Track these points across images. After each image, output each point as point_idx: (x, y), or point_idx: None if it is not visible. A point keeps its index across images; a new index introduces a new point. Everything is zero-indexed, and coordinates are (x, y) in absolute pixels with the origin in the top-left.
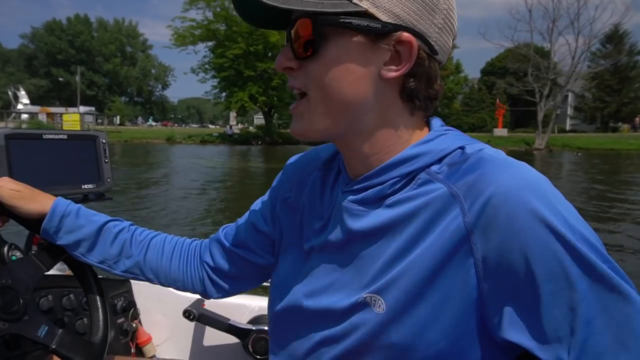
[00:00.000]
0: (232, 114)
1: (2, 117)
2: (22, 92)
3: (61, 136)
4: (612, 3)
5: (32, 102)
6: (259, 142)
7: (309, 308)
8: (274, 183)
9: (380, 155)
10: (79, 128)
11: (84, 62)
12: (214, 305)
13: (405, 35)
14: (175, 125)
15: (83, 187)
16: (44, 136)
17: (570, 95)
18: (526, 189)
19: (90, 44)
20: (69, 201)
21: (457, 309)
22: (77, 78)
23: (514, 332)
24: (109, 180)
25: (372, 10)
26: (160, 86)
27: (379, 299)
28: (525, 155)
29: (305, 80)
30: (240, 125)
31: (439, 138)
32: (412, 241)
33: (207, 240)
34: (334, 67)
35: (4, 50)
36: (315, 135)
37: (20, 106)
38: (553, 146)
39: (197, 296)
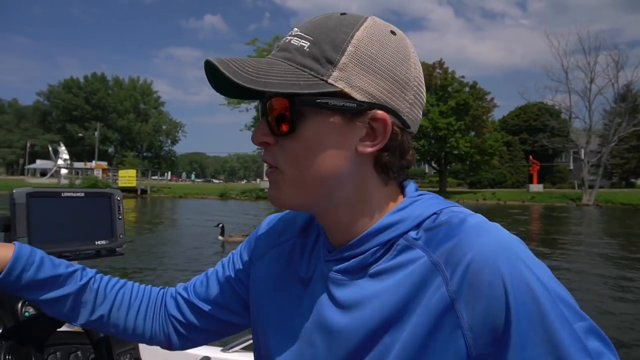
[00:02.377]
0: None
1: (12, 172)
2: (62, 148)
3: (79, 194)
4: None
5: (43, 157)
6: None
7: None
8: (247, 243)
9: (358, 225)
10: (134, 184)
11: (99, 119)
12: None
13: (380, 113)
14: (180, 180)
15: (96, 243)
16: (62, 194)
17: (582, 151)
18: (502, 254)
19: (106, 101)
20: (29, 247)
21: None
22: (96, 134)
23: None
24: (121, 236)
25: (347, 90)
26: (169, 141)
27: None
28: (576, 211)
29: (280, 156)
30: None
31: (414, 204)
32: (396, 314)
33: (172, 289)
34: (310, 145)
35: (20, 106)
36: (292, 207)
37: (60, 161)
38: (597, 202)
39: (204, 354)
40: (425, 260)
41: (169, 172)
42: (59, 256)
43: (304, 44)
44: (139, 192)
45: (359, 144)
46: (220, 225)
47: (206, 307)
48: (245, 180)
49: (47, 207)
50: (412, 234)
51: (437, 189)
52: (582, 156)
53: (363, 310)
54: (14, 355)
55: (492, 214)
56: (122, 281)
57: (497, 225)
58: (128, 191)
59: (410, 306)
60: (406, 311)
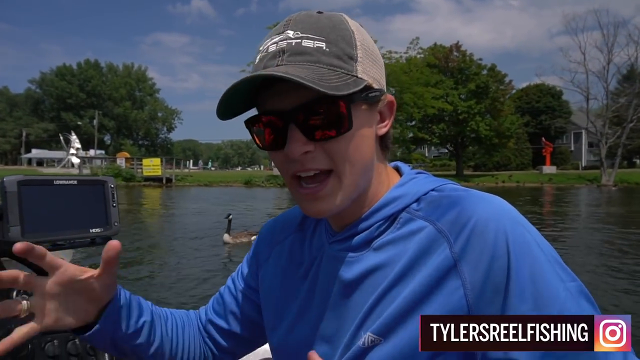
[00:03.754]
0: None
1: (6, 162)
2: (74, 137)
3: (72, 182)
4: None
5: (39, 146)
6: None
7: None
8: (252, 250)
9: (367, 204)
10: (160, 173)
11: (95, 106)
12: None
13: (389, 96)
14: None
15: (91, 231)
16: (55, 182)
17: (584, 132)
18: (503, 217)
19: (101, 88)
20: (120, 288)
21: None
22: (95, 122)
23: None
24: (116, 224)
25: (370, 81)
26: (165, 129)
27: (376, 338)
28: (601, 192)
29: (327, 159)
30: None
31: (413, 181)
32: (400, 278)
33: (202, 314)
34: (355, 139)
35: (11, 94)
36: (339, 210)
37: (72, 151)
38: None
39: None
40: (430, 229)
41: (191, 162)
42: (54, 244)
43: (320, 45)
44: (164, 181)
45: (377, 127)
46: None
47: (226, 325)
48: (240, 167)
49: (40, 195)
50: (414, 206)
51: (454, 173)
52: (599, 136)
53: (370, 282)
54: None
55: (519, 196)
56: (168, 312)
57: (497, 196)
58: (153, 180)
59: (415, 268)
60: (411, 272)
